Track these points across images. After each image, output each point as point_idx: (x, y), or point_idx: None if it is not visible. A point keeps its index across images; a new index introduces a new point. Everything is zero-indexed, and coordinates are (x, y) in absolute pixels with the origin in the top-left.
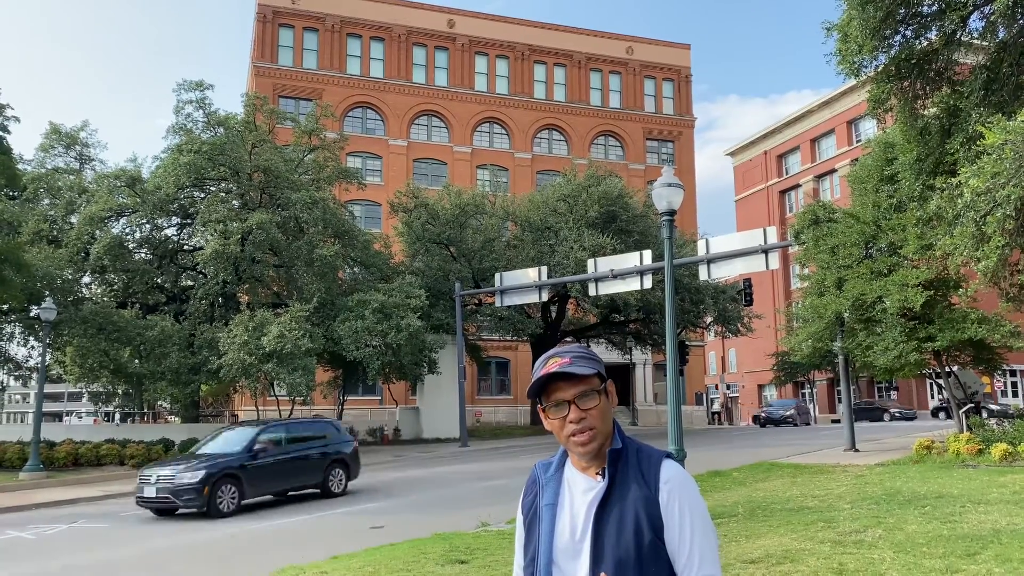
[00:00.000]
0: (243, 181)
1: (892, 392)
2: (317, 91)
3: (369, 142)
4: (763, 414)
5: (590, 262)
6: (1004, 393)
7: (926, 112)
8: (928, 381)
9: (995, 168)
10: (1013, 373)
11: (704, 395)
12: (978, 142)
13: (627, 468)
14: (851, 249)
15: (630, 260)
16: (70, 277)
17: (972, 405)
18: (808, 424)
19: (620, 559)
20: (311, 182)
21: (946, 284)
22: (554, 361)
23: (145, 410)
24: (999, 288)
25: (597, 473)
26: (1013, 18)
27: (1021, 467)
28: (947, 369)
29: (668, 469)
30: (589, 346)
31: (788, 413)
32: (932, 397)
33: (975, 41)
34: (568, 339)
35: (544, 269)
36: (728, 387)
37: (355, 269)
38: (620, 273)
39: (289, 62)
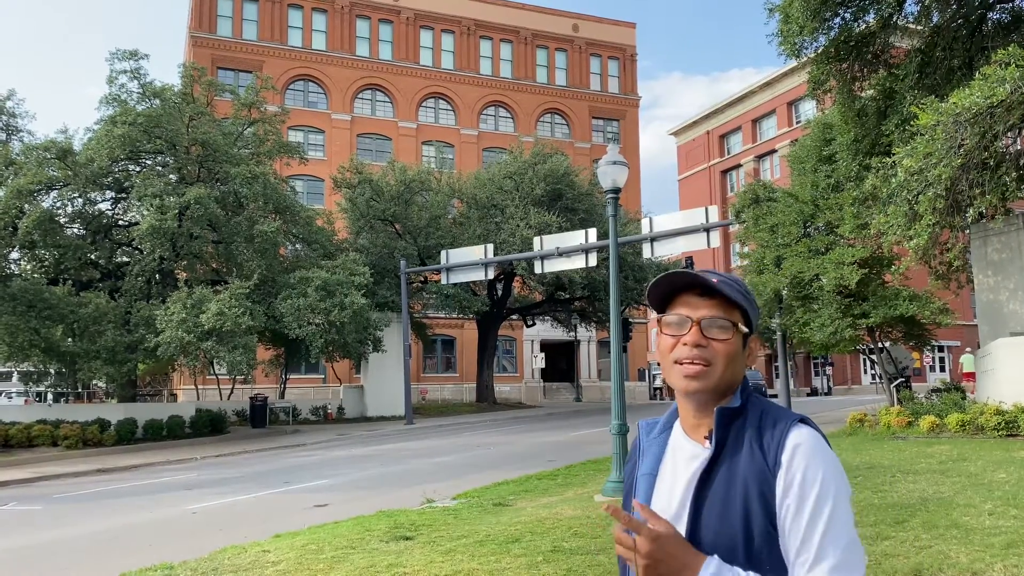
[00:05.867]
0: (180, 154)
1: (828, 367)
2: (257, 63)
3: (311, 116)
4: None
5: (536, 240)
6: (932, 368)
7: (863, 94)
8: (862, 357)
9: (927, 148)
10: (941, 349)
11: (647, 371)
12: (912, 123)
13: (743, 432)
14: (790, 228)
15: (575, 238)
16: None
17: (903, 379)
18: None
19: (723, 549)
20: (251, 156)
21: (880, 262)
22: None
23: (79, 390)
24: (929, 266)
25: (706, 437)
26: (947, 3)
27: (947, 438)
28: (880, 345)
29: (797, 435)
30: (534, 323)
31: None
32: (865, 372)
33: (911, 25)
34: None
35: (490, 247)
36: None
37: (297, 246)
38: (565, 251)
39: (228, 32)
